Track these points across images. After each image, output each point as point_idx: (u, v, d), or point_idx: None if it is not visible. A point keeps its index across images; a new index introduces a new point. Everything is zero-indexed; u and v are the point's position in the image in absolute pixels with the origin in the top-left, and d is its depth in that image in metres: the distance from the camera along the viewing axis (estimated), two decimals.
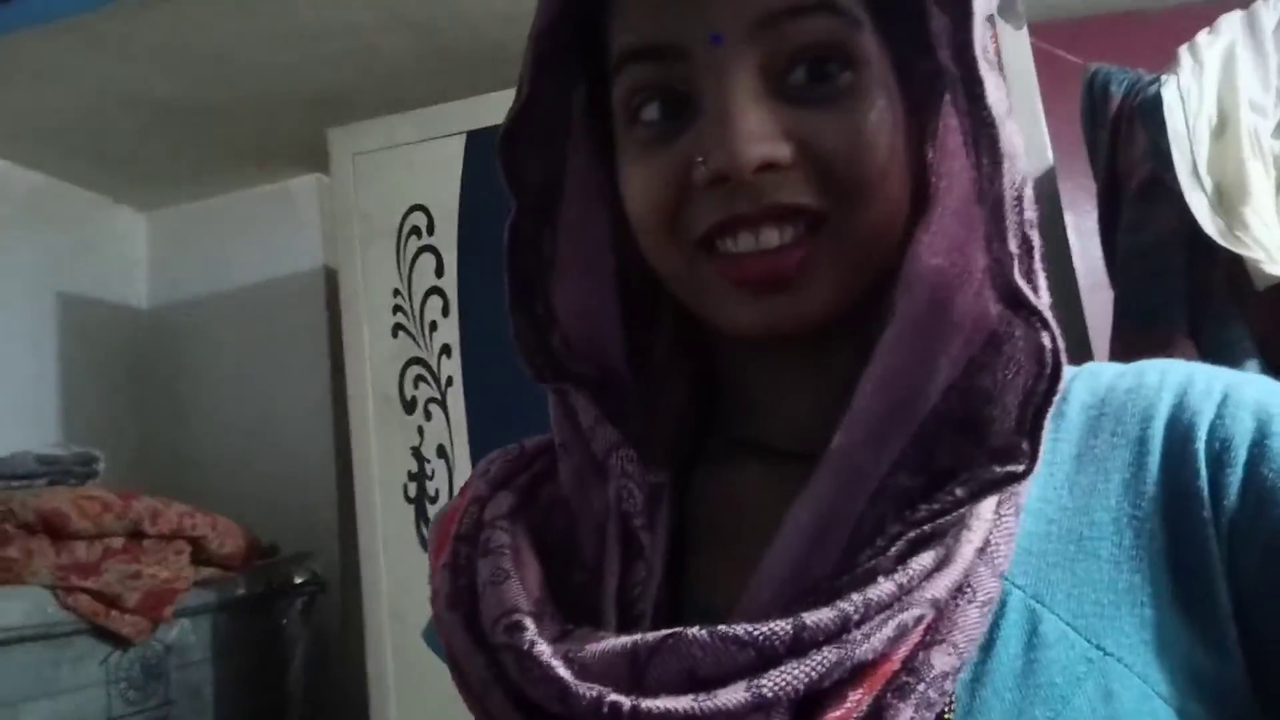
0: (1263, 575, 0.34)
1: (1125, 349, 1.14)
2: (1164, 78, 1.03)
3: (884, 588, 0.32)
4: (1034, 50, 1.24)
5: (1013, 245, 0.35)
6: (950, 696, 0.33)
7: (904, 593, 0.33)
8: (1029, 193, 0.36)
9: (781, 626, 0.32)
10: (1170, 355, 1.07)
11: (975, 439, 0.36)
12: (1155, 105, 1.01)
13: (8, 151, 1.79)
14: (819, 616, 0.32)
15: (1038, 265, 0.36)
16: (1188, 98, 0.98)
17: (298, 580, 1.64)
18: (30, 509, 1.25)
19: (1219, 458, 0.36)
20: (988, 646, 0.35)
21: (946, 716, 0.33)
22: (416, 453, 1.36)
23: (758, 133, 0.36)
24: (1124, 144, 1.14)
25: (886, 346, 0.37)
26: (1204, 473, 0.36)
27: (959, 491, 0.34)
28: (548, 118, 0.44)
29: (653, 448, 0.43)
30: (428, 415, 1.36)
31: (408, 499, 1.35)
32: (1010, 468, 0.34)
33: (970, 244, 0.37)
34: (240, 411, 1.99)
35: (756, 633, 0.32)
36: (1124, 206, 1.14)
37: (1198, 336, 1.05)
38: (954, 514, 0.34)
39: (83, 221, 2.00)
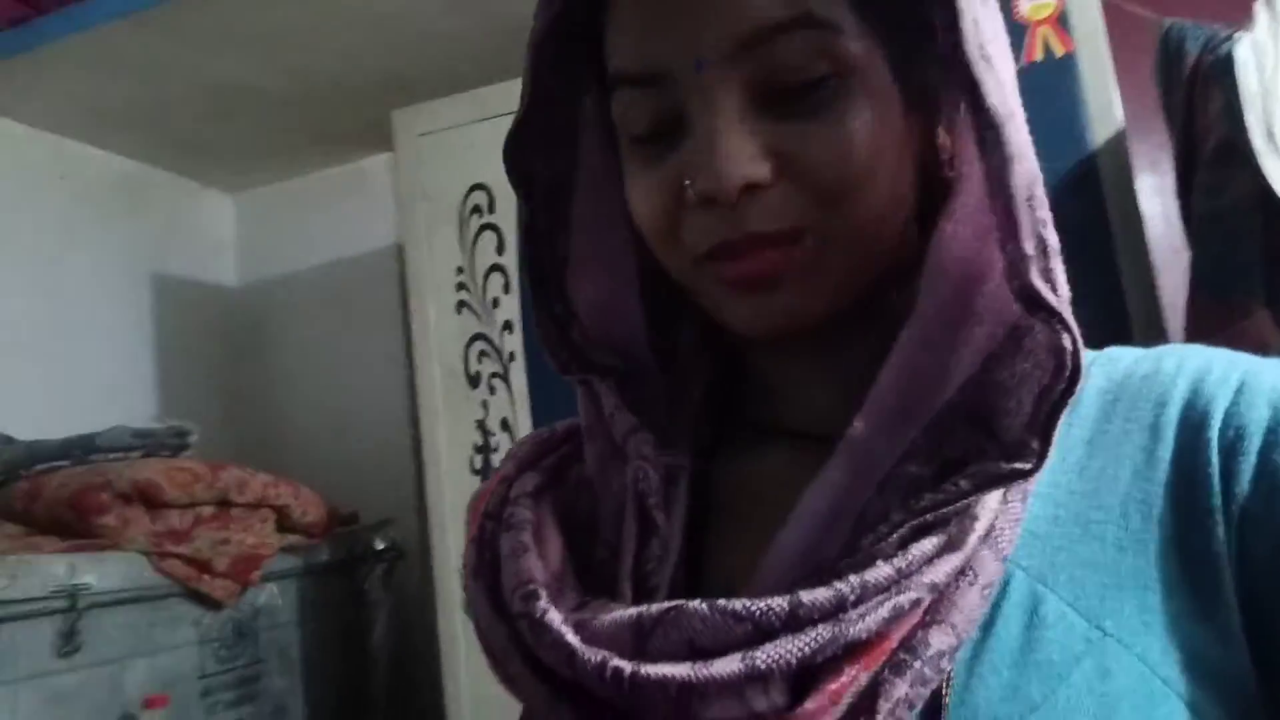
0: (1274, 564, 0.34)
1: (1201, 318, 1.10)
2: (1238, 34, 0.98)
3: (882, 571, 0.33)
4: (1105, 6, 1.19)
5: (1028, 246, 0.34)
6: (947, 674, 0.34)
7: (902, 577, 0.33)
8: (1040, 192, 0.35)
9: (778, 603, 0.33)
10: (1247, 325, 1.02)
11: (986, 432, 0.36)
12: (1228, 64, 0.96)
13: (101, 139, 1.89)
14: (815, 595, 0.33)
15: (1054, 264, 0.35)
16: (1262, 55, 0.93)
17: (378, 547, 1.71)
18: (126, 479, 1.34)
19: (1232, 445, 0.36)
20: (988, 625, 0.35)
21: (944, 692, 0.34)
22: (481, 426, 1.40)
23: (739, 155, 0.37)
24: (1200, 104, 1.08)
25: (909, 337, 0.37)
26: (1215, 460, 0.36)
27: (963, 483, 0.35)
28: (555, 119, 0.45)
29: (673, 433, 0.44)
30: (491, 389, 1.40)
31: (474, 471, 1.40)
32: (1018, 464, 0.34)
33: (992, 236, 0.37)
34: (324, 385, 2.07)
35: (754, 608, 0.33)
36: (1199, 170, 1.09)
37: (1275, 305, 1.00)
38: (958, 504, 0.35)
39: (173, 205, 2.10)
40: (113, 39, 1.51)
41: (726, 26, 0.37)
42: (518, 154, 0.45)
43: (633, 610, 0.35)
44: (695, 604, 0.34)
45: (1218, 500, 0.35)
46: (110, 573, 1.27)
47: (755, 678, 0.32)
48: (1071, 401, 0.36)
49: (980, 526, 0.35)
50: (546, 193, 0.46)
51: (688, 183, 0.38)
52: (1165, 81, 1.18)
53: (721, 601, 0.34)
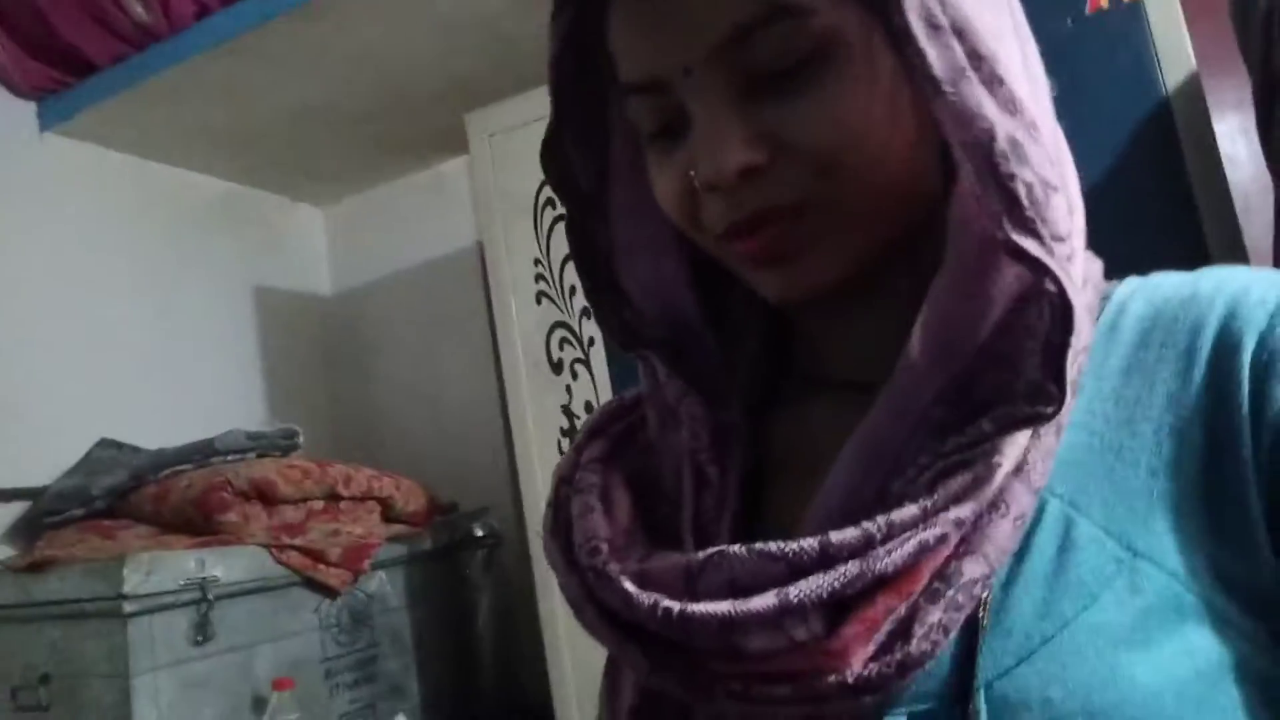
0: None
1: None
2: None
3: (908, 511, 0.35)
4: None
5: (993, 202, 0.36)
6: (980, 599, 0.36)
7: (928, 515, 0.35)
8: (1000, 147, 0.36)
9: (809, 543, 0.36)
10: None
11: (1013, 373, 0.37)
12: None
13: (201, 164, 2.01)
14: (844, 535, 0.35)
15: (1032, 211, 0.36)
16: None
17: (477, 534, 1.79)
18: (244, 478, 1.44)
19: (1265, 367, 0.36)
20: (1023, 551, 0.37)
21: (981, 614, 0.36)
22: (566, 410, 1.45)
23: (732, 143, 0.39)
24: (1276, 42, 1.05)
25: (939, 286, 0.39)
26: (1247, 383, 0.36)
27: (986, 426, 0.36)
28: (584, 123, 0.48)
29: (725, 394, 0.47)
30: (574, 375, 1.44)
31: (561, 454, 1.45)
32: (1038, 408, 0.36)
33: None
34: (417, 382, 2.16)
35: (787, 549, 0.36)
36: (1277, 109, 1.06)
37: None
38: (982, 446, 0.36)
39: (268, 221, 2.22)
40: (206, 69, 1.61)
41: (705, 33, 0.39)
42: (553, 159, 0.48)
43: (684, 557, 0.39)
44: (736, 548, 0.37)
45: (1248, 424, 0.36)
46: (235, 565, 1.36)
47: (790, 611, 0.35)
48: (1112, 316, 0.38)
49: (1007, 463, 0.36)
50: (586, 188, 0.49)
51: (692, 173, 0.41)
52: (1241, 20, 1.15)
53: (758, 545, 0.37)
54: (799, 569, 0.35)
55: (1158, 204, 1.19)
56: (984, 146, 0.36)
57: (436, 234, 2.18)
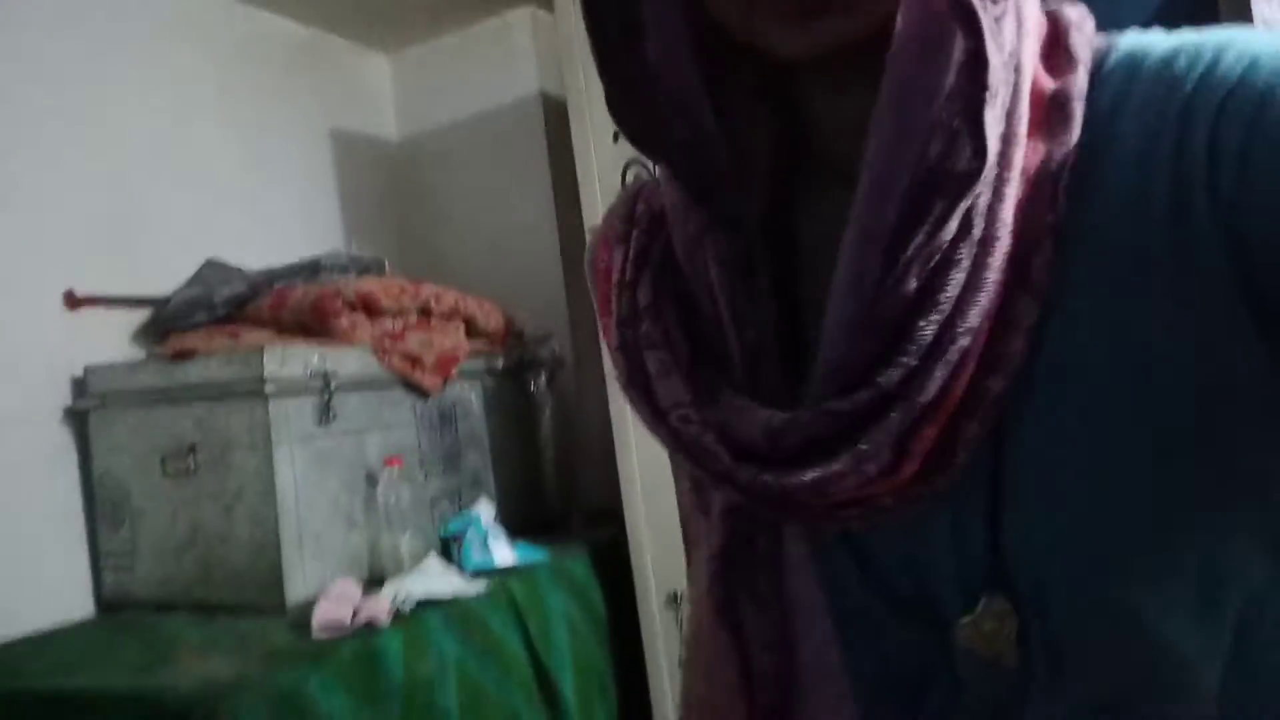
0: (1257, 255, 0.36)
1: None
2: None
3: (927, 334, 0.38)
4: None
5: None
6: (1002, 404, 0.40)
7: (945, 333, 0.38)
8: None
9: (867, 394, 0.39)
10: None
11: (959, 144, 0.38)
12: None
13: (281, 7, 2.11)
14: (889, 377, 0.38)
15: None
16: None
17: (542, 356, 1.99)
18: (352, 291, 1.62)
19: (1219, 140, 0.37)
20: (1031, 356, 0.40)
21: (1005, 416, 0.40)
22: None
23: None
24: None
25: (892, 59, 0.38)
26: (1205, 149, 0.37)
27: (939, 206, 0.38)
28: None
29: (745, 200, 0.47)
30: None
31: None
32: (971, 167, 0.37)
33: None
34: (481, 220, 2.33)
35: (849, 404, 0.39)
36: None
37: None
38: (950, 225, 0.38)
39: (342, 66, 2.34)
40: None
41: None
42: None
43: (762, 418, 0.42)
44: (806, 413, 0.40)
45: (1206, 187, 0.37)
46: (348, 363, 1.57)
47: (863, 460, 0.39)
48: (1085, 97, 0.40)
49: (996, 256, 0.38)
50: None
51: None
52: None
53: (824, 405, 0.40)
54: (863, 417, 0.39)
55: None
56: None
57: (500, 83, 2.30)
